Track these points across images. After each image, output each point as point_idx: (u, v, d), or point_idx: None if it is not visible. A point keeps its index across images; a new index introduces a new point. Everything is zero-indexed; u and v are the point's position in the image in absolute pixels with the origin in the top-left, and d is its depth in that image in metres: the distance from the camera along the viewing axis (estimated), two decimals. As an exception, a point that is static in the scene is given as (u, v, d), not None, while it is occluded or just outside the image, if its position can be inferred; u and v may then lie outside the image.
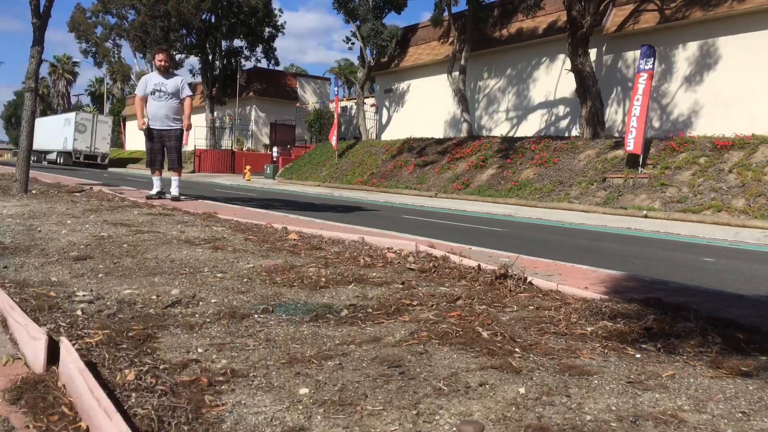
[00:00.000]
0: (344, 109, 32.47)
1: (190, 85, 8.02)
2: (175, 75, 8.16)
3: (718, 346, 1.96)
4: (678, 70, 17.12)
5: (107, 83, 53.80)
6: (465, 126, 21.54)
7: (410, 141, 22.14)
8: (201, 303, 2.38)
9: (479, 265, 3.23)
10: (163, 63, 7.92)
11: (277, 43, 35.83)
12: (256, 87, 36.55)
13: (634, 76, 15.92)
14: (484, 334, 2.02)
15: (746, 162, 12.71)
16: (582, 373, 1.70)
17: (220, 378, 1.57)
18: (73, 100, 64.96)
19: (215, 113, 36.58)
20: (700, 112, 16.55)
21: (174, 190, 7.90)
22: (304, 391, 1.52)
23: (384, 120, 27.41)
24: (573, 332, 2.11)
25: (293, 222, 5.78)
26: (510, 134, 21.17)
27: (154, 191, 7.93)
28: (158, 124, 7.86)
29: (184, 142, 8.02)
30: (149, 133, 7.92)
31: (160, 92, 7.85)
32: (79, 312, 2.15)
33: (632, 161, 14.54)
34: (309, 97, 38.44)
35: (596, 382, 1.65)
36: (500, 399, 1.50)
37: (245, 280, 2.83)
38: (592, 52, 17.73)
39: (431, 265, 3.27)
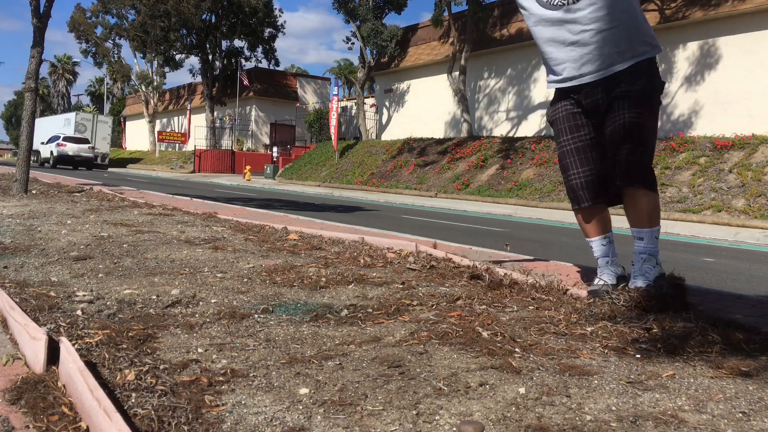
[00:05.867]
0: (344, 109, 32.47)
1: None
2: None
3: (718, 346, 1.96)
4: (678, 70, 17.12)
5: (107, 83, 53.76)
6: (465, 126, 21.55)
7: (410, 141, 22.14)
8: (201, 303, 2.38)
9: (479, 265, 3.23)
10: None
11: (278, 44, 35.84)
12: (256, 87, 36.57)
13: (634, 76, 15.88)
14: (484, 334, 2.02)
15: (746, 162, 12.71)
16: (582, 373, 1.70)
17: (220, 378, 1.57)
18: (73, 100, 65.01)
19: (215, 113, 36.57)
20: (700, 112, 16.55)
21: (647, 264, 2.68)
22: (304, 391, 1.52)
23: (384, 120, 27.40)
24: (573, 332, 2.11)
25: (293, 222, 5.78)
26: (510, 134, 21.17)
27: (606, 277, 2.79)
28: (587, 74, 2.62)
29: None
30: (563, 102, 2.78)
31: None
32: (79, 312, 2.15)
33: (632, 161, 14.52)
34: (309, 97, 38.43)
35: (596, 382, 1.65)
36: (500, 399, 1.51)
37: (245, 280, 2.83)
38: (592, 52, 17.70)
39: (431, 265, 3.27)
